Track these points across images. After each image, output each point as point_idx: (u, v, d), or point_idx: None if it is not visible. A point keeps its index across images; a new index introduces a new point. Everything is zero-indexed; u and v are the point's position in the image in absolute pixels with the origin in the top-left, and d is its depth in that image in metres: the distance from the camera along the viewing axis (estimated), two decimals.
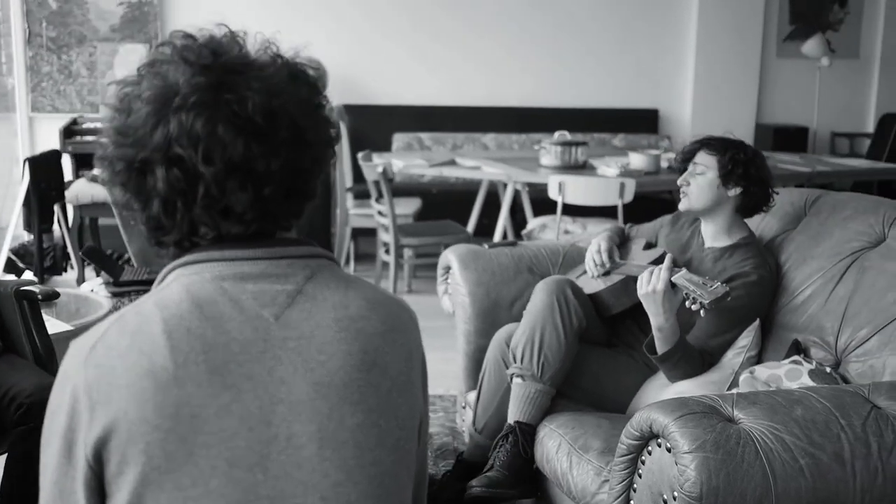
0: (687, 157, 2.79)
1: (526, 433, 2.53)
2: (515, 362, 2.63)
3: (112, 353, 1.05)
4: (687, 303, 2.39)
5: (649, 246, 2.97)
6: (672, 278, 2.44)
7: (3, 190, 6.36)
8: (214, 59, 1.09)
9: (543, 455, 2.42)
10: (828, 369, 2.38)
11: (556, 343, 2.60)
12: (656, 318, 2.46)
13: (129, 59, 6.39)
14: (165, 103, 1.07)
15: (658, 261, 2.71)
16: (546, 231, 4.85)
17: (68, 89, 6.44)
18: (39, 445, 2.34)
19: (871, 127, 7.35)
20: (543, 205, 5.43)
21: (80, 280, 5.26)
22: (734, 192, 2.67)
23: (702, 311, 2.37)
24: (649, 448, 1.91)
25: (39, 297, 2.61)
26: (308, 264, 1.14)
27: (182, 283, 1.10)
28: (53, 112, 6.42)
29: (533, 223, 5.04)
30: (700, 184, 2.70)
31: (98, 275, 5.70)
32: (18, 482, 2.37)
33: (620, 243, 3.03)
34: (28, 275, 4.52)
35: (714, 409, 1.85)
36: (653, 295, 2.44)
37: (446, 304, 3.26)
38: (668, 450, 1.83)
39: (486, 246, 3.26)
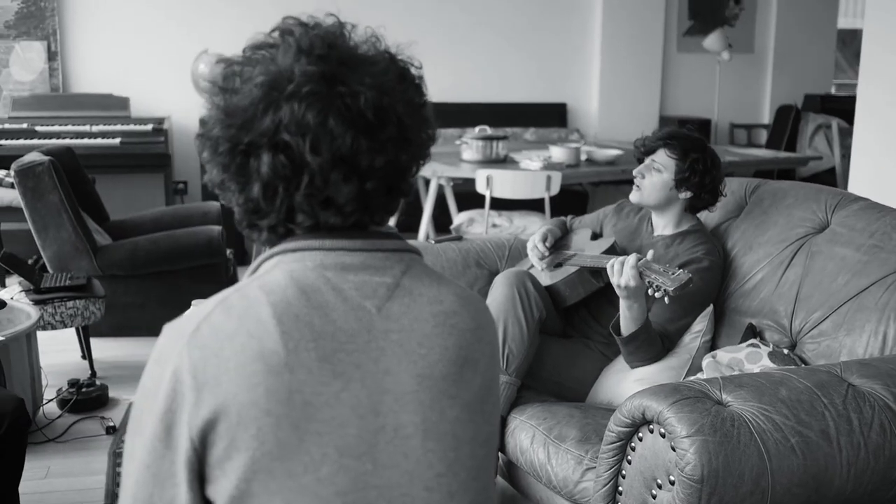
0: (648, 151, 2.80)
1: None
2: None
3: (219, 334, 1.03)
4: (650, 291, 2.43)
5: (595, 236, 3.02)
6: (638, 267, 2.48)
7: None
8: (329, 50, 1.09)
9: (517, 447, 2.43)
10: (785, 351, 2.47)
11: (520, 335, 2.61)
12: (626, 299, 2.50)
13: (26, 56, 6.12)
14: (277, 89, 1.06)
15: (610, 250, 2.75)
16: (474, 225, 4.87)
17: None
18: None
19: (766, 118, 7.65)
20: (464, 200, 5.45)
21: None
22: (685, 195, 2.74)
23: (666, 299, 2.41)
24: (640, 434, 1.94)
25: None
26: (402, 258, 1.15)
27: (284, 269, 1.09)
28: None
29: (460, 218, 5.06)
30: (654, 181, 2.75)
31: (3, 283, 5.45)
32: None
33: (563, 235, 3.06)
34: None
35: (704, 394, 1.89)
36: (625, 287, 2.47)
37: None
38: (663, 435, 1.86)
39: (432, 241, 3.26)
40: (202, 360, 1.03)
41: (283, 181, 1.08)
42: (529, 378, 2.67)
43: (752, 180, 3.02)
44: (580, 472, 2.24)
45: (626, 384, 2.62)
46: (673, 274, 2.39)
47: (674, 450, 1.82)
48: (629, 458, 1.97)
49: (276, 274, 1.09)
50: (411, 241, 3.22)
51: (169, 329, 1.08)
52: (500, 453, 2.54)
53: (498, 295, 2.68)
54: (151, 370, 1.07)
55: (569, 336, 2.87)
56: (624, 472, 1.99)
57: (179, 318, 1.09)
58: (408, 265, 1.15)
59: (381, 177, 1.11)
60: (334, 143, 1.06)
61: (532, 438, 2.40)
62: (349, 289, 1.09)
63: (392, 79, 1.12)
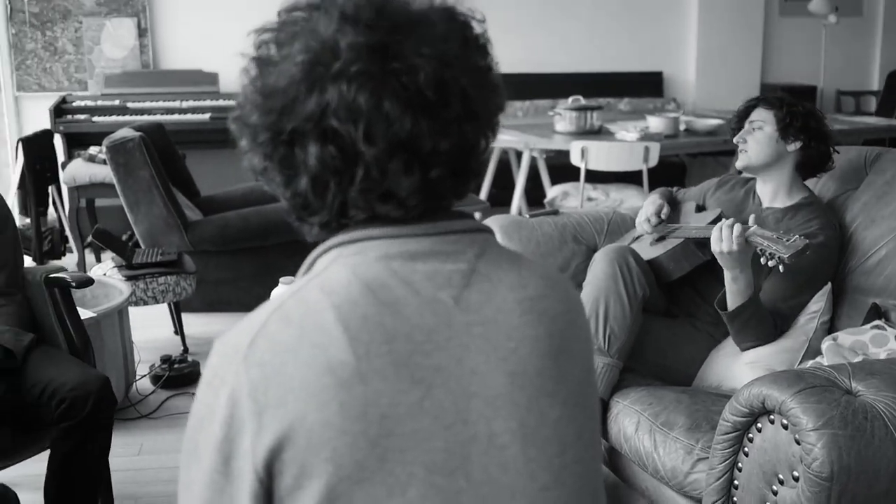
0: (742, 116, 2.69)
1: None
2: None
3: (278, 348, 0.89)
4: (763, 259, 2.24)
5: (700, 209, 2.85)
6: (745, 235, 2.31)
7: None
8: (377, 16, 0.92)
9: (620, 433, 2.30)
10: None
11: (622, 314, 2.47)
12: (731, 269, 2.34)
13: (117, 33, 6.16)
14: (321, 67, 0.91)
15: (716, 221, 2.58)
16: (569, 199, 4.71)
17: (54, 67, 6.19)
18: (83, 442, 2.23)
19: (875, 85, 7.26)
20: (558, 172, 5.29)
21: (81, 264, 5.08)
22: (794, 146, 2.56)
23: (780, 267, 2.23)
24: (758, 425, 1.79)
25: (73, 284, 2.44)
26: (475, 239, 1.00)
27: (345, 264, 0.95)
28: (40, 91, 6.18)
29: (553, 191, 4.91)
30: (758, 139, 2.59)
31: (98, 258, 5.52)
32: (62, 481, 2.23)
33: (672, 206, 2.90)
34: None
35: (832, 382, 1.73)
36: (728, 254, 2.30)
37: None
38: (785, 426, 1.70)
39: (527, 215, 3.13)
40: (262, 379, 0.89)
41: (335, 175, 0.93)
42: (632, 360, 2.53)
43: (872, 149, 2.80)
44: (690, 462, 2.09)
45: (736, 367, 2.46)
46: (788, 240, 2.21)
47: (798, 443, 1.67)
48: (746, 449, 1.82)
49: (335, 270, 0.95)
50: (503, 216, 3.11)
51: (221, 345, 0.95)
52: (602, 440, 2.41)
53: (598, 272, 2.54)
54: (204, 394, 0.94)
55: (673, 315, 2.71)
56: (740, 464, 1.84)
57: (231, 331, 0.95)
58: (482, 247, 1.00)
59: (446, 161, 0.95)
60: (391, 128, 0.91)
61: (637, 425, 2.26)
62: (419, 280, 0.94)
63: (454, 45, 0.95)
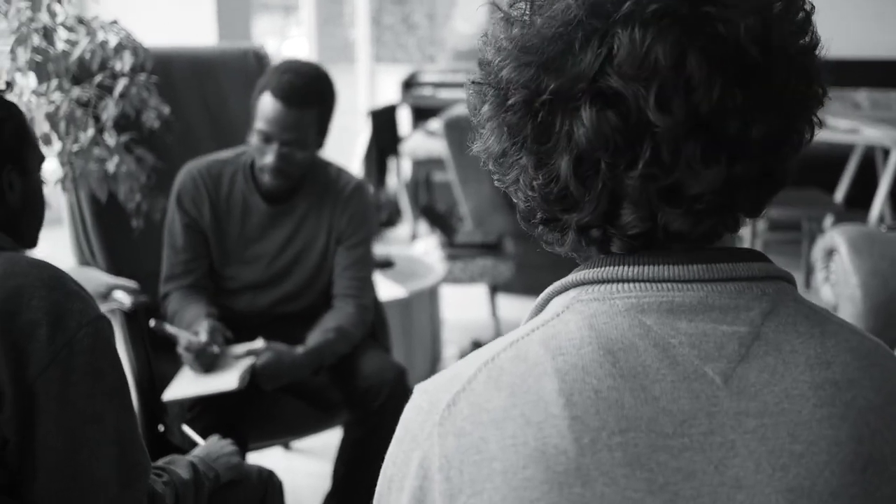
0: None
1: None
2: None
3: (482, 416, 0.69)
4: None
5: None
6: None
7: (346, 141, 6.49)
8: None
9: None
10: None
11: None
12: None
13: (467, 10, 6.23)
14: (605, 8, 0.68)
15: None
16: None
17: (408, 41, 6.41)
18: (374, 430, 2.19)
19: None
20: None
21: (413, 236, 5.21)
22: None
23: None
24: None
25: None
26: (765, 291, 0.73)
27: (581, 313, 0.72)
28: (393, 63, 6.43)
29: None
30: None
31: (430, 231, 5.65)
32: (350, 465, 2.22)
33: None
34: None
35: None
36: None
37: (827, 294, 2.75)
38: None
39: (882, 228, 2.69)
40: (458, 453, 0.69)
41: (610, 152, 0.69)
42: None
43: None
44: None
45: None
46: None
47: None
48: None
49: (568, 320, 0.72)
50: (852, 227, 2.68)
51: (418, 396, 0.76)
52: None
53: None
54: (395, 452, 0.76)
55: None
56: None
57: (433, 379, 0.76)
58: (773, 303, 0.73)
59: (754, 155, 0.69)
60: (693, 95, 0.66)
61: None
62: (680, 345, 0.70)
63: (778, 4, 0.69)
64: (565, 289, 0.76)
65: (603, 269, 0.74)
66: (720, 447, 0.67)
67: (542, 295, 0.78)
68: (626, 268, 0.73)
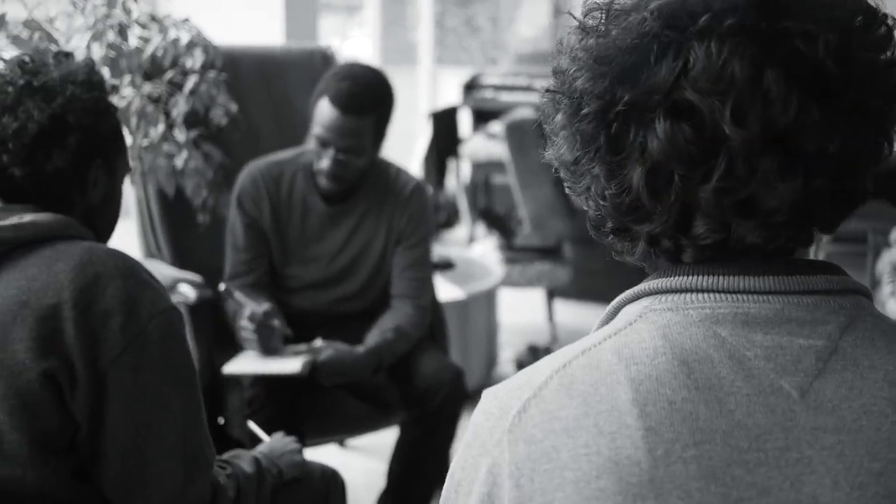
0: None
1: None
2: None
3: (554, 425, 0.69)
4: None
5: None
6: None
7: (406, 143, 6.52)
8: None
9: None
10: None
11: None
12: None
13: (532, 13, 6.22)
14: (681, 21, 0.69)
15: None
16: None
17: (471, 43, 6.42)
18: (430, 431, 2.19)
19: None
20: None
21: (471, 238, 5.21)
22: None
23: None
24: None
25: None
26: (842, 305, 0.72)
27: (655, 323, 0.72)
28: (455, 66, 6.44)
29: None
30: None
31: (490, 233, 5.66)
32: (405, 465, 2.23)
33: None
34: None
35: None
36: None
37: (893, 308, 2.70)
38: None
39: None
40: (528, 461, 0.68)
41: (684, 165, 0.69)
42: None
43: None
44: None
45: None
46: None
47: None
48: None
49: (641, 329, 0.72)
50: None
51: (488, 401, 0.75)
52: None
53: None
54: (463, 457, 0.75)
55: None
56: None
57: (504, 384, 0.75)
58: (850, 317, 0.72)
59: (830, 171, 0.69)
60: (770, 109, 0.66)
61: None
62: (755, 358, 0.69)
63: (858, 18, 0.69)
64: (637, 297, 0.76)
65: (676, 278, 0.73)
66: (796, 463, 0.66)
67: (613, 303, 0.78)
68: (699, 277, 0.72)
